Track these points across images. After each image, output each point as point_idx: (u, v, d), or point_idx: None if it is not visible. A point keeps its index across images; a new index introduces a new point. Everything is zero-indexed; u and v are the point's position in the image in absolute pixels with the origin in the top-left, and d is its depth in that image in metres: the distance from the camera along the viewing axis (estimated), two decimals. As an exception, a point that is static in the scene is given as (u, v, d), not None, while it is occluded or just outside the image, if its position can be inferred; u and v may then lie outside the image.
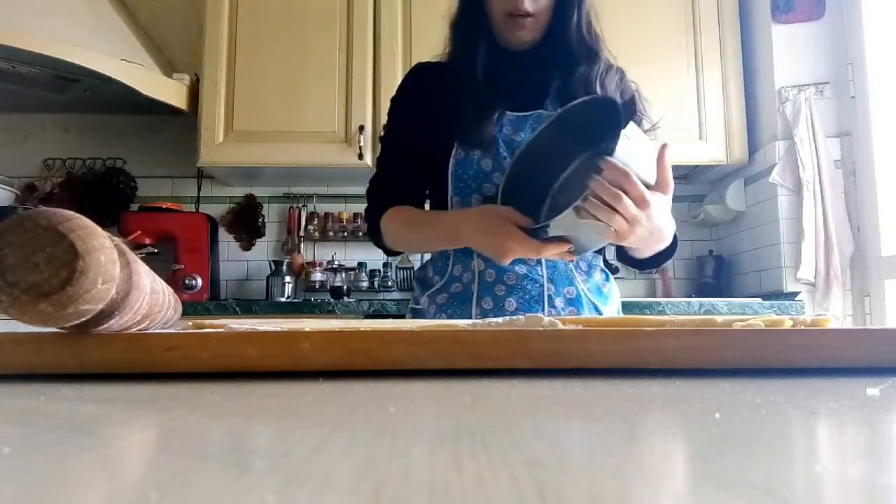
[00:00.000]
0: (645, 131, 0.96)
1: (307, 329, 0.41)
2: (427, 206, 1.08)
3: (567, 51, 0.98)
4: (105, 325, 0.38)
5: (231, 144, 2.23)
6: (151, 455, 0.21)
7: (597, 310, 0.99)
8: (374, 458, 0.19)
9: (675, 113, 2.23)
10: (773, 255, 2.18)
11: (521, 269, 0.96)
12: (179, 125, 2.45)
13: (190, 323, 0.58)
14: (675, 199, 0.85)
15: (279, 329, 0.41)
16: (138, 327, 0.45)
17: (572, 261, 0.97)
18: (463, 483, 0.16)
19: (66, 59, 1.95)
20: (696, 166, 2.37)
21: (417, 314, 1.04)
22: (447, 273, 1.01)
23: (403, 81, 1.09)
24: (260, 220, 2.55)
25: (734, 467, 0.18)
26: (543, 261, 0.96)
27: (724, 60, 2.29)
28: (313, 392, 0.34)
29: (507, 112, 0.99)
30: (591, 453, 0.21)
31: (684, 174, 2.53)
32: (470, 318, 0.94)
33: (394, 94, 1.09)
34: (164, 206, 2.38)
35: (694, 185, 2.59)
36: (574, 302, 0.97)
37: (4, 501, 0.15)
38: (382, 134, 1.10)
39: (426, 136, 1.01)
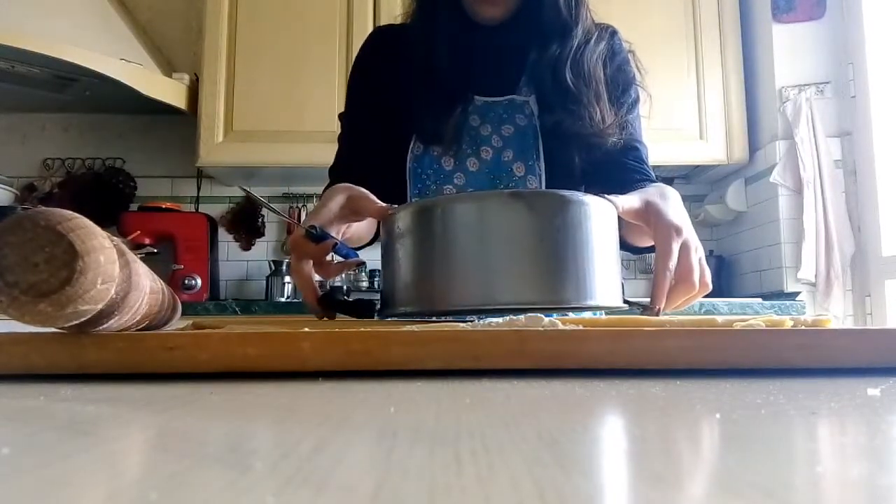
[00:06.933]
0: (637, 98, 0.88)
1: (307, 329, 0.40)
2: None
3: (540, 26, 0.84)
4: (105, 325, 0.38)
5: (231, 144, 2.23)
6: (151, 455, 0.21)
7: None
8: (374, 458, 0.19)
9: (676, 113, 2.24)
10: (773, 255, 2.18)
11: None
12: (179, 125, 2.45)
13: (190, 322, 0.58)
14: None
15: (279, 329, 0.41)
16: (138, 327, 0.45)
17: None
18: (463, 483, 0.16)
19: (66, 59, 1.95)
20: (697, 166, 2.37)
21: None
22: None
23: (359, 52, 0.94)
24: (260, 220, 2.55)
25: (735, 468, 0.18)
26: None
27: (724, 60, 2.29)
28: (313, 392, 0.34)
29: (476, 97, 0.85)
30: (591, 453, 0.21)
31: (684, 174, 2.53)
32: None
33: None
34: (164, 206, 2.38)
35: (694, 185, 2.59)
36: None
37: (4, 501, 0.15)
38: (341, 111, 0.95)
39: (381, 120, 0.87)
